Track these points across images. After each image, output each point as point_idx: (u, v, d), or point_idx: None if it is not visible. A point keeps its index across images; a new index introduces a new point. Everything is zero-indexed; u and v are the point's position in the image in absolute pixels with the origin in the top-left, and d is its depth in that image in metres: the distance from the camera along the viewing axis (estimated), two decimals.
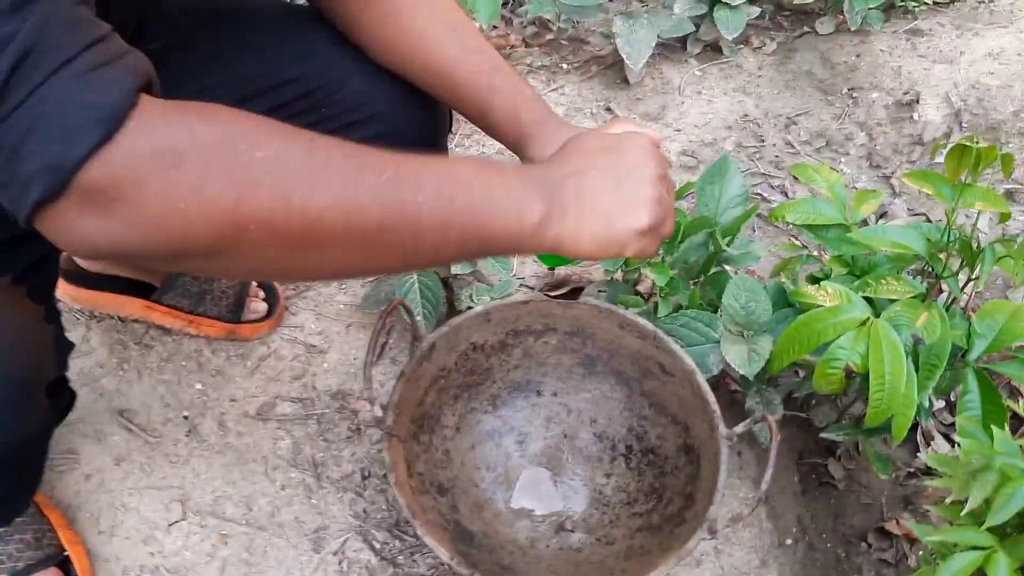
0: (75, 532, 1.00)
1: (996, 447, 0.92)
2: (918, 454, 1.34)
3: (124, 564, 0.99)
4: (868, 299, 1.09)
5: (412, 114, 0.96)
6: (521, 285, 1.33)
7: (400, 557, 1.04)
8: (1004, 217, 1.13)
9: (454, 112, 1.03)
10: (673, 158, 1.64)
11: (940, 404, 1.42)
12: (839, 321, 1.03)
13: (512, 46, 1.84)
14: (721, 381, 1.24)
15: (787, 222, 1.39)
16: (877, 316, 1.04)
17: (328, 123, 0.94)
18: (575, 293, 1.14)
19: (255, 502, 1.05)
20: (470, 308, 1.14)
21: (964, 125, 1.66)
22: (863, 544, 1.33)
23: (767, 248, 1.49)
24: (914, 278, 1.20)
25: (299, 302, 1.23)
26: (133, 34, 0.87)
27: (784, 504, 1.23)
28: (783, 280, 1.18)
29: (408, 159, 0.58)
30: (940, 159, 1.55)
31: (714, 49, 1.85)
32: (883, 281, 1.10)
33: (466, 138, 1.62)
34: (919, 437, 1.38)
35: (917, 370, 1.05)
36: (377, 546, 1.04)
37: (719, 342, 1.10)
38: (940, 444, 1.40)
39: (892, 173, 1.64)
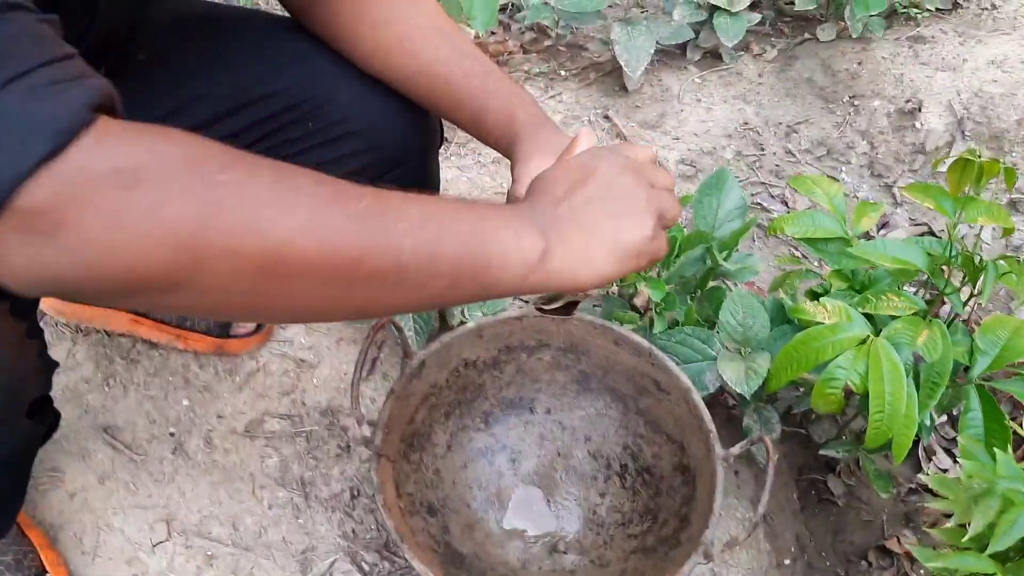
0: (57, 553, 0.98)
1: (999, 471, 0.90)
2: (920, 475, 1.31)
3: None
4: (868, 315, 1.07)
5: (402, 126, 0.94)
6: (514, 299, 1.30)
7: None
8: (1007, 232, 1.11)
9: (445, 125, 1.01)
10: (671, 167, 1.62)
11: (942, 419, 1.40)
12: (838, 339, 1.01)
13: (510, 52, 1.82)
14: (719, 397, 1.22)
15: (786, 235, 1.37)
16: (877, 332, 1.01)
17: (316, 136, 0.92)
18: (569, 308, 1.11)
19: (241, 522, 1.03)
20: (462, 323, 1.12)
21: (967, 134, 1.64)
22: (863, 562, 1.31)
23: (767, 260, 1.47)
24: (916, 292, 1.18)
25: None
26: (121, 44, 0.86)
27: (783, 522, 1.21)
28: (782, 295, 1.16)
29: (388, 191, 0.54)
30: (942, 169, 1.53)
31: (714, 56, 1.83)
32: (883, 297, 1.08)
33: (461, 147, 1.60)
34: (920, 452, 1.36)
35: (918, 388, 1.03)
36: (366, 568, 1.02)
37: (716, 359, 1.08)
38: (942, 458, 1.38)
39: (894, 182, 1.62)
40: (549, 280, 0.61)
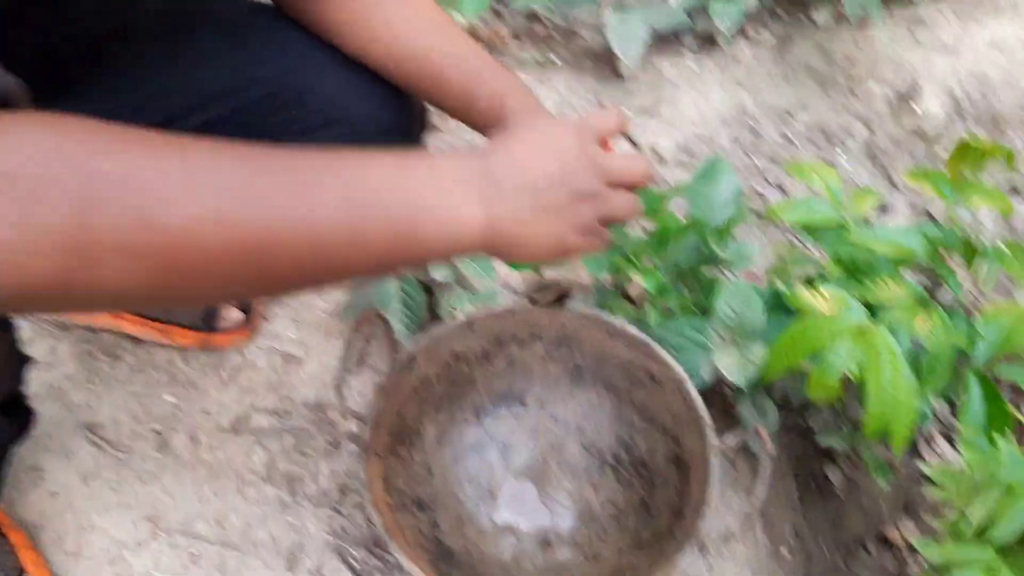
0: (39, 553, 0.96)
1: (1001, 460, 0.88)
2: (920, 463, 1.29)
3: None
4: (866, 303, 1.05)
5: (387, 112, 0.92)
6: (506, 290, 1.28)
7: None
8: (1004, 212, 1.09)
9: (432, 111, 0.99)
10: (667, 154, 1.59)
11: (942, 406, 1.38)
12: (835, 327, 0.98)
13: (501, 39, 1.79)
14: (715, 387, 1.19)
15: (783, 222, 1.35)
16: (875, 319, 0.99)
17: (298, 123, 0.90)
18: (562, 299, 1.10)
19: (228, 520, 1.01)
20: (452, 314, 1.10)
21: (966, 117, 1.61)
22: (863, 552, 1.29)
23: (763, 248, 1.45)
24: (914, 279, 1.16)
25: (276, 309, 1.18)
26: (101, 38, 0.83)
27: (780, 513, 1.19)
28: (778, 284, 1.14)
29: (312, 160, 0.51)
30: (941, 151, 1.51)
31: (709, 42, 1.80)
32: (882, 284, 1.06)
33: (449, 132, 1.57)
34: (921, 440, 1.33)
35: (917, 375, 1.01)
36: (355, 565, 1.00)
37: (711, 349, 1.05)
38: (942, 446, 1.36)
39: (893, 167, 1.59)
40: (486, 251, 0.58)
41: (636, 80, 1.71)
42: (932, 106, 1.62)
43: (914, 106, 1.64)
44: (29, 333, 1.11)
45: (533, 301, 1.05)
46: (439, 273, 1.10)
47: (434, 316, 1.16)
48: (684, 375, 1.00)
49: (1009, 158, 1.06)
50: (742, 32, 1.82)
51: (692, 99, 1.69)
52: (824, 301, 1.02)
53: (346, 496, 1.05)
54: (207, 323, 1.11)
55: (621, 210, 0.66)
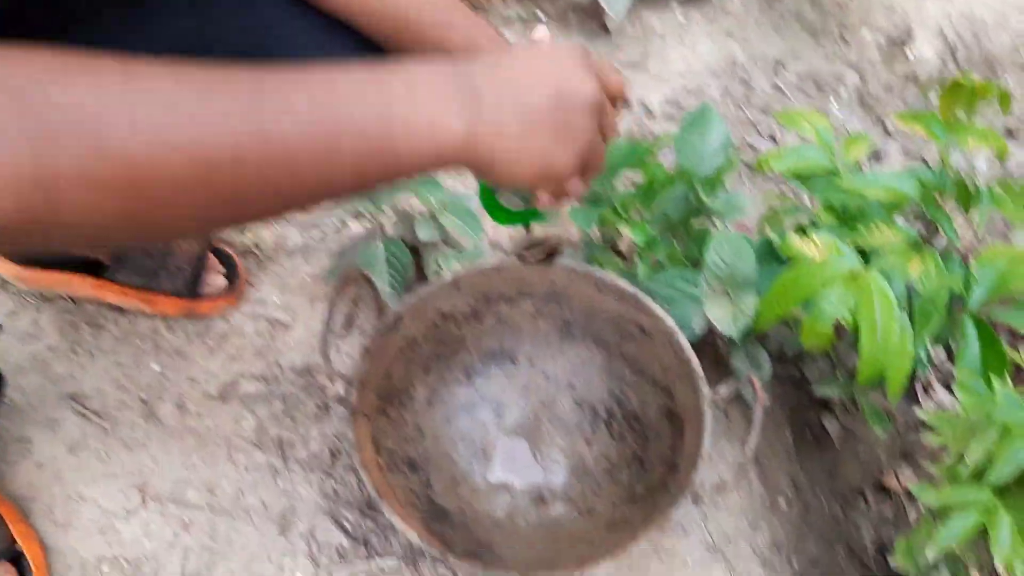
0: (28, 525, 0.95)
1: (997, 400, 0.86)
2: (917, 409, 1.28)
3: (81, 556, 0.95)
4: (860, 249, 1.03)
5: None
6: (495, 249, 1.26)
7: (373, 537, 0.99)
8: (1000, 154, 1.07)
9: None
10: (656, 108, 1.56)
11: (939, 352, 1.37)
12: (827, 274, 0.97)
13: None
14: (708, 340, 1.18)
15: (774, 171, 1.32)
16: (868, 266, 0.98)
17: None
18: (551, 256, 1.07)
19: (218, 486, 1.00)
20: (439, 273, 1.08)
21: (959, 61, 1.58)
22: (861, 501, 1.28)
23: (755, 200, 1.43)
24: (908, 224, 1.14)
25: (261, 275, 1.17)
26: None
27: (776, 464, 1.18)
28: (769, 233, 1.12)
29: (277, 76, 0.48)
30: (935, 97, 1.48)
31: None
32: (875, 229, 1.04)
33: None
34: (917, 387, 1.32)
35: (912, 321, 0.99)
36: (348, 527, 0.99)
37: (702, 300, 1.04)
38: (940, 393, 1.35)
39: (885, 114, 1.57)
40: (468, 166, 0.56)
41: (623, 34, 1.68)
42: (925, 51, 1.59)
43: (907, 51, 1.61)
44: (11, 305, 1.10)
45: (522, 259, 1.02)
46: (424, 232, 1.08)
47: (421, 276, 1.14)
48: (675, 327, 0.99)
49: (1003, 99, 1.04)
50: None
51: (680, 52, 1.66)
52: (816, 248, 1.00)
53: (337, 459, 1.04)
54: (191, 290, 1.09)
55: (597, 162, 0.64)
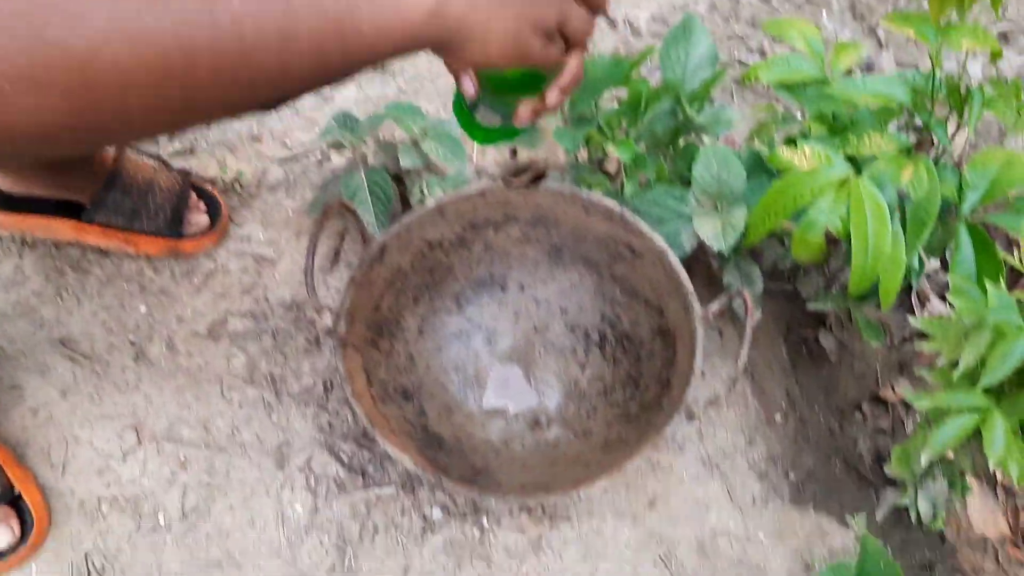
0: (25, 469, 0.95)
1: (990, 303, 0.85)
2: (911, 317, 1.28)
3: (80, 497, 0.95)
4: (851, 158, 1.01)
5: None
6: (478, 173, 1.24)
7: (369, 467, 0.99)
8: (994, 56, 1.04)
9: None
10: (642, 26, 1.52)
11: (935, 263, 1.36)
12: (817, 183, 0.95)
13: None
14: (699, 258, 1.17)
15: (763, 84, 1.30)
16: (860, 174, 0.96)
17: None
18: (537, 180, 1.06)
19: (212, 423, 1.00)
20: (423, 202, 1.06)
21: None
22: (857, 414, 1.29)
23: (744, 118, 1.40)
24: (902, 133, 1.12)
25: (244, 212, 1.15)
26: None
27: (772, 380, 1.18)
28: (758, 145, 1.10)
29: None
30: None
31: None
32: (865, 137, 1.02)
33: None
34: (913, 300, 1.32)
35: (904, 229, 0.98)
36: (344, 458, 1.00)
37: (691, 217, 1.02)
38: (936, 306, 1.34)
39: (877, 24, 1.53)
40: (436, 44, 0.54)
41: None
42: None
43: None
44: None
45: (508, 185, 1.01)
46: (407, 160, 1.06)
47: (406, 206, 1.12)
48: (664, 245, 0.97)
49: (995, 0, 1.01)
50: None
51: None
52: (805, 157, 0.98)
53: (330, 392, 1.04)
54: (173, 230, 1.07)
55: (581, 20, 0.62)
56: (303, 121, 1.28)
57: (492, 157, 1.27)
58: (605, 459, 0.94)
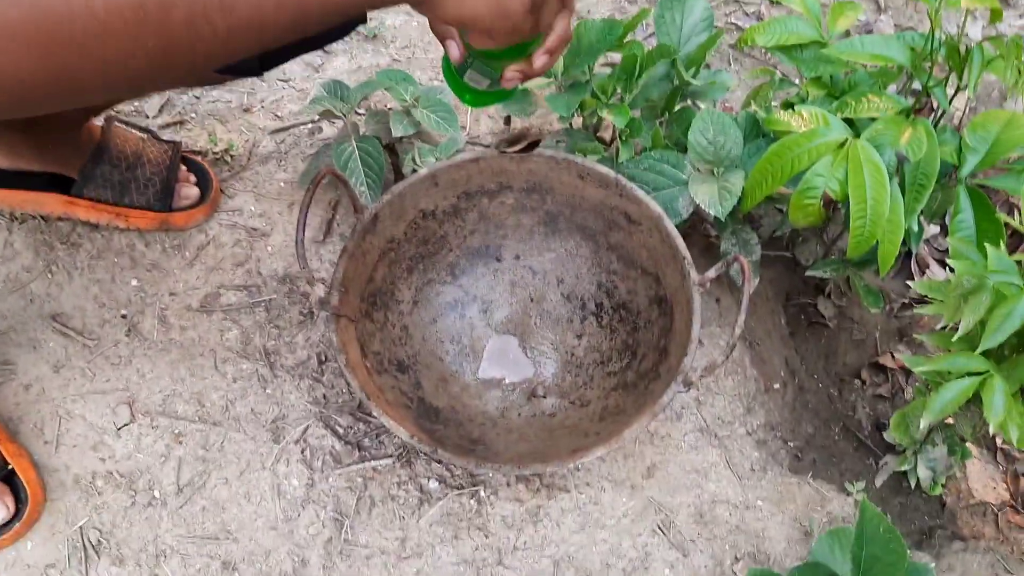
0: (18, 444, 0.94)
1: (990, 265, 0.84)
2: (911, 282, 1.27)
3: (74, 473, 0.94)
4: (849, 121, 1.00)
5: None
6: (472, 143, 1.23)
7: (365, 440, 0.99)
8: (995, 16, 1.02)
9: None
10: None
11: (935, 229, 1.35)
12: (815, 145, 0.94)
13: None
14: (697, 225, 1.16)
15: (760, 47, 1.28)
16: (858, 136, 0.94)
17: None
18: (531, 148, 1.04)
19: (207, 398, 0.99)
20: (416, 171, 1.05)
21: None
22: (856, 381, 1.28)
23: (740, 84, 1.38)
24: (900, 96, 1.10)
25: (235, 183, 1.13)
26: None
27: (771, 348, 1.17)
28: (755, 109, 1.08)
29: None
30: None
31: None
32: (863, 99, 1.00)
33: None
34: (913, 266, 1.31)
35: (903, 193, 0.97)
36: (340, 431, 0.99)
37: (688, 183, 1.01)
38: (936, 272, 1.33)
39: None
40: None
41: None
42: None
43: None
44: None
45: (501, 152, 1.00)
46: (399, 128, 1.04)
47: (399, 176, 1.11)
48: (660, 211, 0.96)
49: None
50: None
51: None
52: (803, 120, 0.97)
53: (325, 365, 1.03)
54: (163, 203, 1.06)
55: None
56: (294, 92, 1.26)
57: (486, 125, 1.25)
58: (602, 428, 0.93)
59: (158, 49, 0.44)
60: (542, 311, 1.08)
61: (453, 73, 0.73)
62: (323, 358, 1.03)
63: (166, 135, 1.17)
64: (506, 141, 1.19)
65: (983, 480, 1.13)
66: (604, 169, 0.99)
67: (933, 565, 0.96)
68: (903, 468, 1.07)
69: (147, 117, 1.20)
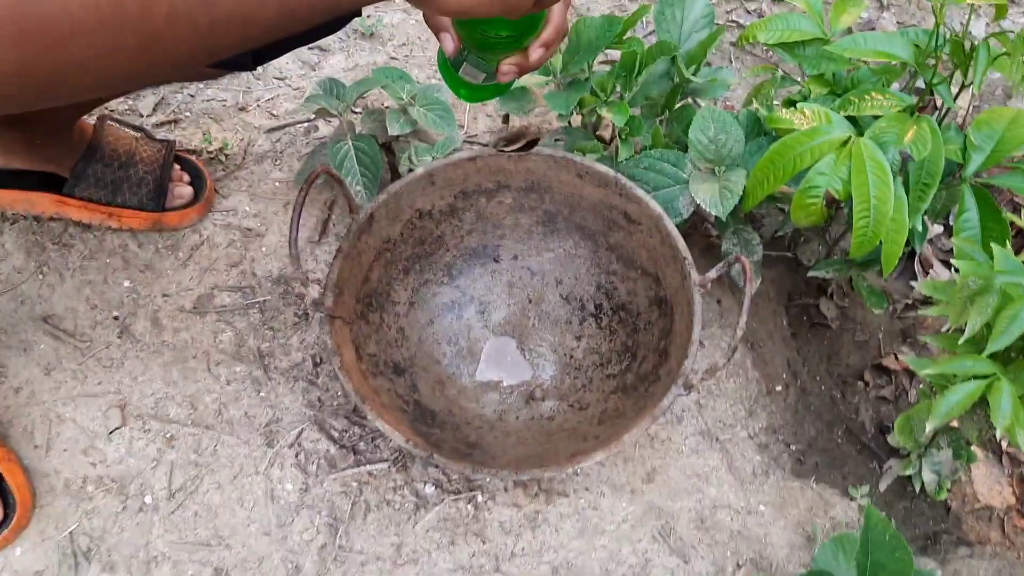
0: (7, 448, 0.93)
1: (996, 266, 0.83)
2: (914, 283, 1.25)
3: (65, 477, 0.93)
4: (852, 119, 0.98)
5: None
6: (469, 142, 1.21)
7: (361, 444, 0.97)
8: (1000, 13, 1.00)
9: None
10: None
11: (938, 229, 1.33)
12: (817, 143, 0.92)
13: None
14: (698, 226, 1.14)
15: (761, 45, 1.26)
16: (861, 134, 0.93)
17: None
18: (529, 147, 1.03)
19: (200, 401, 0.98)
20: (412, 171, 1.03)
21: None
22: (859, 383, 1.27)
23: (742, 80, 1.37)
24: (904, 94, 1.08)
25: (229, 183, 1.12)
26: None
27: (773, 349, 1.15)
28: (756, 107, 1.07)
29: None
30: None
31: None
32: (866, 97, 0.99)
33: None
34: (916, 266, 1.29)
35: (907, 191, 0.95)
36: (335, 434, 0.97)
37: (688, 182, 0.99)
38: (940, 272, 1.31)
39: None
40: None
41: None
42: None
43: None
44: None
45: (500, 151, 0.98)
46: (395, 126, 1.03)
47: (395, 176, 1.09)
48: (660, 211, 0.95)
49: None
50: None
51: None
52: (805, 117, 0.95)
53: (320, 368, 1.01)
54: (157, 202, 1.05)
55: None
56: (290, 90, 1.25)
57: (484, 124, 1.24)
58: (602, 432, 0.92)
59: (139, 47, 0.42)
60: (540, 312, 1.06)
61: (448, 67, 0.72)
62: (318, 360, 1.02)
63: (160, 134, 1.15)
64: (504, 140, 1.18)
65: (989, 484, 1.11)
66: (603, 168, 0.97)
67: (939, 572, 0.94)
68: (907, 472, 1.05)
69: (141, 116, 1.18)
